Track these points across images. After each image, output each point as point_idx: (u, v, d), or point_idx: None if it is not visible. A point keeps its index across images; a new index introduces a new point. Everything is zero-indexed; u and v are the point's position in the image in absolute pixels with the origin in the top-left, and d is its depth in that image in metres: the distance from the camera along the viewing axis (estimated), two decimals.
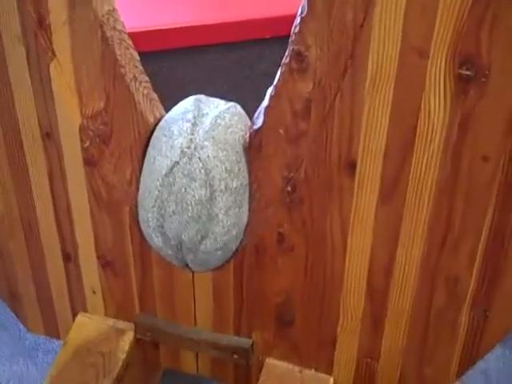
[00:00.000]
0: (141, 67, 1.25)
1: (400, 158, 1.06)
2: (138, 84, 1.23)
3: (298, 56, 1.03)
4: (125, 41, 1.24)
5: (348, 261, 1.19)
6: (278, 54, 1.84)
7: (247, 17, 1.83)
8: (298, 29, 1.02)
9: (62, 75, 1.22)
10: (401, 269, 1.17)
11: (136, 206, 1.28)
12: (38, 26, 1.19)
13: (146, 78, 1.26)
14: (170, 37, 1.79)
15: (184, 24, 1.79)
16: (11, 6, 1.18)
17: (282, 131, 1.10)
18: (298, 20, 1.02)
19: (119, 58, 1.20)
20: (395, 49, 0.97)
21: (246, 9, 1.85)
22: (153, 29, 1.78)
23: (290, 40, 1.05)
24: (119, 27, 1.23)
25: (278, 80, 1.08)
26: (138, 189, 1.27)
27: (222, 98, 1.77)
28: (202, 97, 1.25)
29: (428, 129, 1.02)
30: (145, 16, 1.82)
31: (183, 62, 1.82)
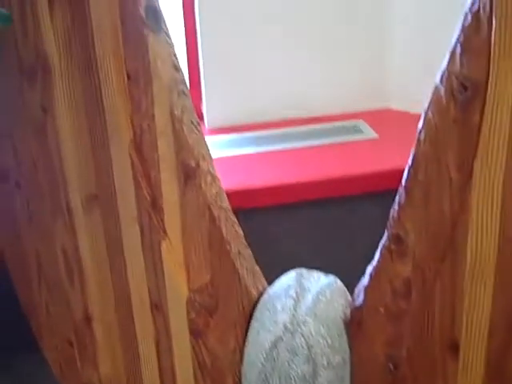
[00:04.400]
0: (245, 242, 1.32)
1: (505, 340, 1.05)
2: (242, 259, 1.30)
3: (397, 239, 1.07)
4: (230, 218, 1.32)
5: None
6: (369, 210, 1.90)
7: (337, 175, 1.90)
8: (396, 214, 1.06)
9: (173, 252, 1.31)
10: None
11: (239, 377, 1.31)
12: (151, 207, 1.29)
13: (250, 252, 1.33)
14: (264, 195, 1.88)
15: (276, 183, 1.88)
16: (130, 188, 1.30)
17: (382, 309, 1.12)
18: (395, 206, 1.07)
19: (225, 235, 1.28)
20: (494, 235, 1.00)
21: (335, 167, 1.93)
22: (249, 188, 1.88)
23: (388, 223, 1.09)
24: (225, 205, 1.32)
25: (378, 261, 1.12)
26: (241, 359, 1.30)
27: (314, 253, 1.81)
28: (303, 271, 1.29)
29: None
30: (239, 176, 1.93)
31: (276, 219, 1.90)
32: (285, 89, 2.12)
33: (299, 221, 1.91)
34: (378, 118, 2.16)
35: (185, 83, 1.26)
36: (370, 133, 2.05)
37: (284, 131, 2.08)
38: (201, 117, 2.13)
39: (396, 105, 2.18)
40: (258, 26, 2.06)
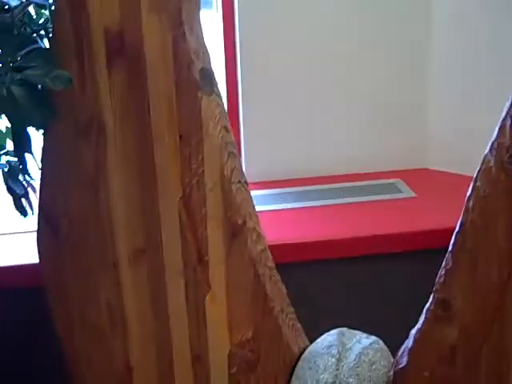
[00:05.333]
0: (288, 300, 1.34)
1: None
2: (284, 316, 1.32)
3: (443, 304, 1.08)
4: (274, 276, 1.34)
5: None
6: (407, 269, 1.91)
7: (375, 232, 1.91)
8: (443, 279, 1.08)
9: (216, 306, 1.33)
10: None
11: None
12: (197, 261, 1.32)
13: (292, 310, 1.35)
14: (302, 251, 1.89)
15: (315, 239, 1.89)
16: (177, 243, 1.33)
17: (426, 373, 1.13)
18: (442, 271, 1.08)
19: (269, 292, 1.30)
20: None
21: (373, 225, 1.94)
22: (287, 243, 1.89)
23: (434, 288, 1.10)
24: (270, 264, 1.34)
25: (423, 324, 1.13)
26: None
27: (352, 310, 1.81)
28: (344, 330, 1.30)
29: None
30: (278, 230, 1.94)
31: (314, 275, 1.91)
32: (325, 146, 2.15)
33: (337, 277, 1.91)
34: (417, 177, 2.18)
35: (234, 144, 1.30)
36: (408, 192, 2.07)
37: (323, 187, 2.10)
38: None
39: (435, 164, 2.20)
40: (297, 87, 2.10)
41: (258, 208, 1.84)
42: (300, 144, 2.16)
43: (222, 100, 1.30)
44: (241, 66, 2.09)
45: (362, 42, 2.11)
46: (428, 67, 2.14)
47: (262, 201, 2.03)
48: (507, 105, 1.06)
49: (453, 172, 2.15)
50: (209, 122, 1.26)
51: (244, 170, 2.15)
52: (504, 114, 1.05)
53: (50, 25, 1.37)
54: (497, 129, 1.06)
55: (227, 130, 1.29)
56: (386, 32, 2.11)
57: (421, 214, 1.98)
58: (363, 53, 2.13)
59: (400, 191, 2.10)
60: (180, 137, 1.27)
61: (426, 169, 2.24)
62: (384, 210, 2.01)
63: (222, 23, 2.10)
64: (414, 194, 2.08)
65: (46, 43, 1.36)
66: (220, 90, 1.31)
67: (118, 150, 1.30)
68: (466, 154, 2.04)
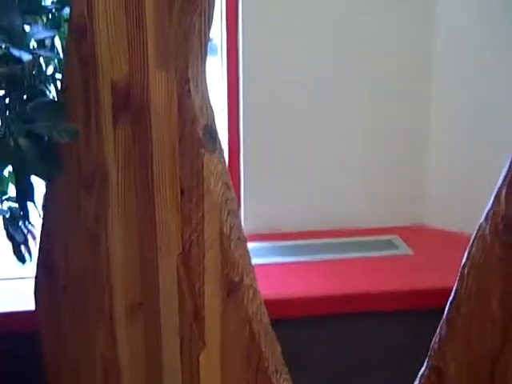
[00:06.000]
0: (282, 360, 1.34)
1: None
2: (278, 376, 1.31)
3: (438, 371, 1.08)
4: (270, 333, 1.34)
5: None
6: (403, 326, 1.90)
7: (371, 289, 1.90)
8: (437, 345, 1.08)
9: (210, 363, 1.33)
10: None
11: None
12: (193, 317, 1.32)
13: (286, 370, 1.34)
14: (297, 306, 1.88)
15: (310, 294, 1.88)
16: (174, 298, 1.33)
17: None
18: (437, 337, 1.09)
19: (264, 350, 1.30)
20: None
21: (369, 281, 1.94)
22: (282, 298, 1.89)
23: (428, 354, 1.11)
24: (265, 319, 1.34)
25: None
26: None
27: (347, 366, 1.79)
28: None
29: None
30: (273, 285, 1.94)
31: (309, 331, 1.90)
32: (323, 201, 2.17)
33: (333, 333, 1.91)
34: (413, 233, 2.19)
35: (235, 201, 1.32)
36: (404, 248, 2.08)
37: (319, 242, 2.11)
38: None
39: (431, 221, 2.21)
40: (299, 145, 2.13)
41: (253, 261, 1.85)
42: (298, 199, 2.18)
43: (224, 157, 1.32)
44: (243, 123, 2.11)
45: (359, 102, 2.15)
46: (427, 126, 2.17)
47: (258, 253, 2.03)
48: (503, 172, 1.08)
49: (450, 229, 2.16)
50: (210, 178, 1.28)
51: (242, 222, 2.17)
52: (500, 182, 1.07)
53: (57, 75, 1.40)
54: (492, 197, 1.07)
55: (228, 187, 1.31)
56: (385, 84, 2.14)
57: (417, 272, 1.99)
58: (362, 116, 2.16)
59: (396, 248, 2.11)
60: (181, 192, 1.28)
61: (423, 225, 2.25)
62: (380, 266, 2.01)
63: (226, 73, 2.13)
64: (410, 251, 2.09)
65: (53, 90, 1.39)
66: (222, 146, 1.33)
67: (120, 203, 1.32)
68: (464, 211, 2.06)
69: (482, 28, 2.05)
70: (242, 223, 2.14)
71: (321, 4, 2.07)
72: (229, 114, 2.14)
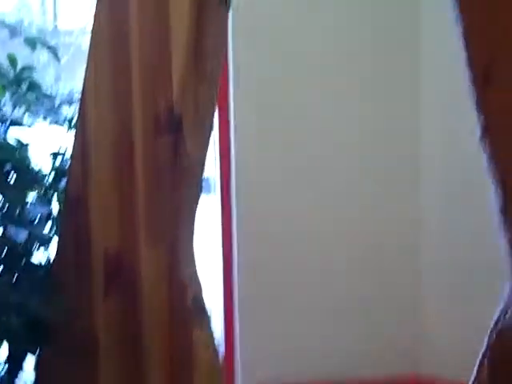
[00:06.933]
0: None
1: None
2: None
3: None
4: None
5: None
6: None
7: None
8: None
9: None
10: None
11: None
12: None
13: None
14: None
15: None
16: None
17: None
18: None
19: None
20: None
21: None
22: None
23: None
24: None
25: None
26: None
27: None
28: None
29: None
30: None
31: None
32: (318, 350, 2.14)
33: None
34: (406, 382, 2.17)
35: (221, 367, 1.33)
36: None
37: None
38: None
39: (424, 369, 2.19)
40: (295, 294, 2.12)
41: None
42: (297, 348, 2.14)
43: (211, 327, 1.35)
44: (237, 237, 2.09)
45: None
46: (417, 261, 2.15)
47: None
48: (485, 342, 1.11)
49: (443, 378, 2.14)
50: (199, 349, 1.30)
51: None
52: (483, 349, 1.09)
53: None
54: (476, 366, 1.10)
55: (216, 356, 1.33)
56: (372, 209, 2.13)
57: None
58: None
59: None
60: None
61: (416, 373, 2.23)
62: None
63: (220, 211, 2.12)
64: None
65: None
66: (210, 319, 1.37)
67: (109, 373, 1.33)
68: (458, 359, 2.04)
69: None
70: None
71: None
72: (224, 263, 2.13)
